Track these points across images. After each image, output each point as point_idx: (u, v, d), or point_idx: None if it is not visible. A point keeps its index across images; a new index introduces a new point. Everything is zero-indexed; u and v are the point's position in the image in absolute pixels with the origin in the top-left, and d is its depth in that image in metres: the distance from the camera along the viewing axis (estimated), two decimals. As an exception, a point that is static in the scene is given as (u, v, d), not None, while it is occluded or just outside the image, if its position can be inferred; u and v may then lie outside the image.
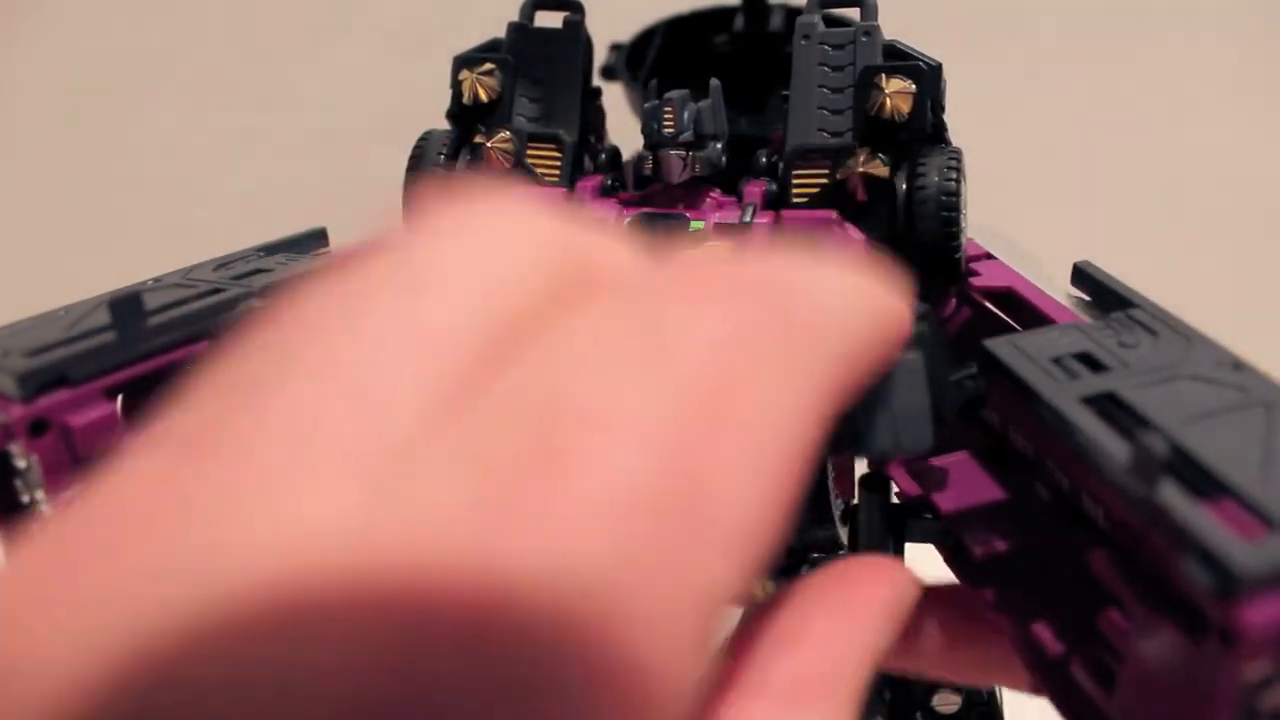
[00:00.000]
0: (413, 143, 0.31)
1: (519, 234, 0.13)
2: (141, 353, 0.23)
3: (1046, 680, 0.19)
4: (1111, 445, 0.16)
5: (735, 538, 0.11)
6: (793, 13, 0.37)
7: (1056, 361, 0.20)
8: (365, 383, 0.11)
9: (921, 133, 0.27)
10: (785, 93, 0.29)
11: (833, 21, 0.30)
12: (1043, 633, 0.19)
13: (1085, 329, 0.21)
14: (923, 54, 0.28)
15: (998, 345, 0.20)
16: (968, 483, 0.24)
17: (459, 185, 0.13)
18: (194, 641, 0.09)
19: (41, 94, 0.70)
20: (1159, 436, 0.16)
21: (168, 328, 0.24)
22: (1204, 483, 0.15)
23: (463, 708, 0.09)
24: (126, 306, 0.23)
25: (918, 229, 0.27)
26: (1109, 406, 0.18)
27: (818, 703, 0.14)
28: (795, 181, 0.28)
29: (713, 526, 0.11)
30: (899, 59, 0.28)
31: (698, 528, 0.10)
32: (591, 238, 0.13)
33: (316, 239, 0.31)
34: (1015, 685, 0.24)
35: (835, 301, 0.13)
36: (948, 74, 0.28)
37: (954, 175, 0.27)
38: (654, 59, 0.38)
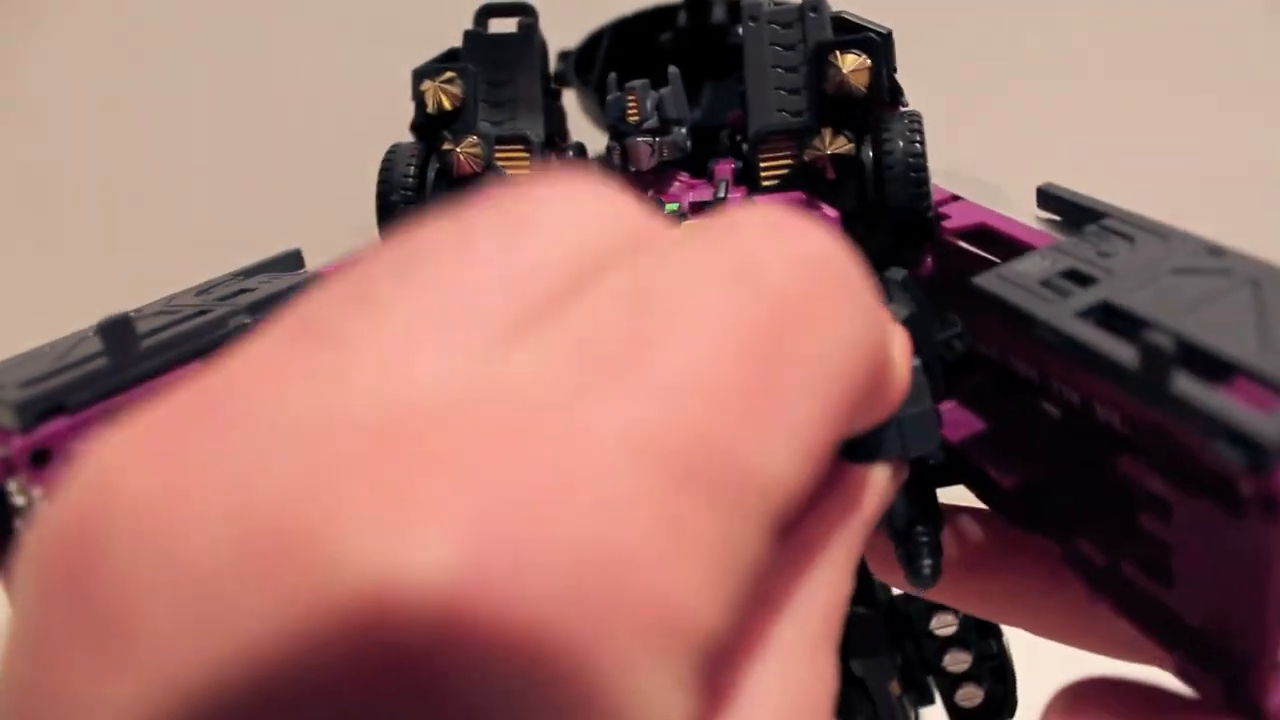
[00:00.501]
0: (370, 145, 0.31)
1: (609, 197, 0.14)
2: (136, 375, 0.23)
3: (1103, 590, 0.19)
4: (1118, 351, 0.17)
5: (801, 432, 0.12)
6: (733, 5, 0.38)
7: (1045, 284, 0.20)
8: (472, 290, 0.12)
9: (880, 103, 0.28)
10: (737, 76, 0.30)
11: None
12: (1085, 546, 0.20)
13: (1063, 247, 0.21)
14: (871, 22, 0.29)
15: (986, 280, 0.21)
16: (966, 417, 0.25)
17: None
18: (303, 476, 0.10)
19: (34, 102, 0.68)
20: (1162, 333, 0.16)
21: (160, 349, 0.24)
22: (1212, 367, 0.16)
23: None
24: (118, 330, 0.23)
25: (888, 197, 0.27)
26: (1105, 316, 0.18)
27: (814, 561, 0.16)
28: (762, 165, 0.29)
29: (782, 418, 0.12)
30: (848, 30, 0.28)
31: (770, 416, 0.12)
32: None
33: (292, 261, 0.31)
34: (1029, 625, 0.24)
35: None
36: (906, 30, 0.29)
37: (918, 139, 0.27)
38: (603, 62, 0.38)
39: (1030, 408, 0.24)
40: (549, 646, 0.10)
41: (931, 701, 0.35)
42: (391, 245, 0.13)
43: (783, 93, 0.29)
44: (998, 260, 0.26)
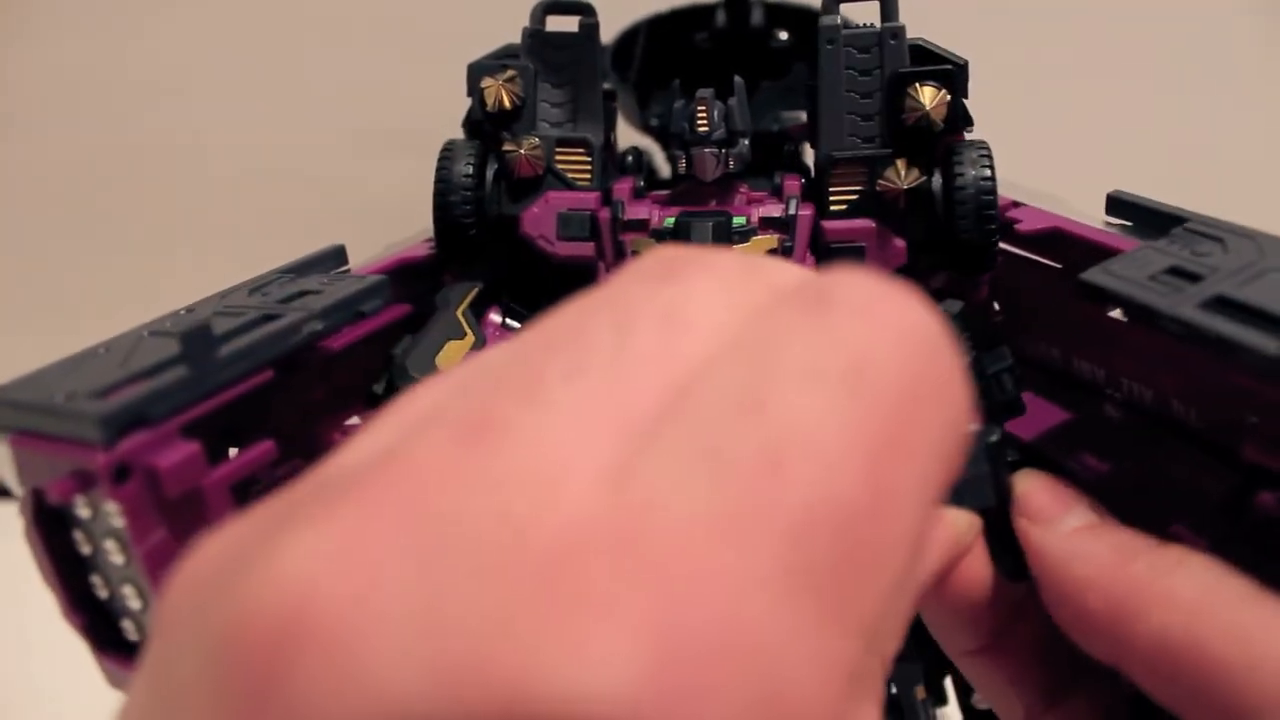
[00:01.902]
0: (410, 148, 0.30)
1: (738, 275, 0.15)
2: (214, 386, 0.22)
3: None
4: (1256, 339, 0.17)
5: (915, 527, 0.13)
6: (773, 9, 0.38)
7: (1153, 279, 0.21)
8: (628, 387, 0.13)
9: (955, 133, 0.28)
10: (767, 84, 0.30)
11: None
12: (1182, 532, 0.21)
13: (1159, 247, 0.22)
14: (948, 51, 0.28)
15: (1095, 276, 0.21)
16: (1033, 412, 0.26)
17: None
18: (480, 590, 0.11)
19: (65, 99, 0.65)
20: None
21: (237, 358, 0.23)
22: None
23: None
24: (198, 339, 0.22)
25: (958, 226, 0.27)
26: (1223, 308, 0.19)
27: None
28: (832, 191, 0.28)
29: (901, 523, 0.12)
30: (925, 58, 0.28)
31: (891, 526, 0.12)
32: (790, 269, 0.16)
33: (336, 258, 0.30)
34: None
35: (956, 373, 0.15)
36: (967, 51, 0.29)
37: (988, 169, 0.27)
38: (641, 59, 0.38)
39: (1093, 406, 0.25)
40: None
41: (946, 702, 0.36)
42: (560, 326, 0.14)
43: (856, 118, 0.28)
44: (1060, 265, 0.27)
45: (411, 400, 0.14)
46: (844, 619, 0.12)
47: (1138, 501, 0.23)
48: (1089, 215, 0.26)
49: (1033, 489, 0.23)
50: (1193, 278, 0.20)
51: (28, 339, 0.24)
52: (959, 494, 0.22)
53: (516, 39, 0.31)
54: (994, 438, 0.23)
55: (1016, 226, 0.27)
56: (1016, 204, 0.29)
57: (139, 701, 0.12)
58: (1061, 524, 0.22)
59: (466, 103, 0.30)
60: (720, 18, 0.38)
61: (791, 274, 0.15)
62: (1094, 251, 0.24)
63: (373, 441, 0.14)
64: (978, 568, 0.24)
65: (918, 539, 0.13)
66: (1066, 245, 0.26)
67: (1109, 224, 0.26)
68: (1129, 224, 0.25)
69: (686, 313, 0.14)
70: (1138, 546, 0.20)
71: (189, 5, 0.62)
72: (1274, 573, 0.19)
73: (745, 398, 0.12)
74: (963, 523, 0.21)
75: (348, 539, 0.11)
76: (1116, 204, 0.25)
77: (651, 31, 0.38)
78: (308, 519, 0.12)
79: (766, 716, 0.10)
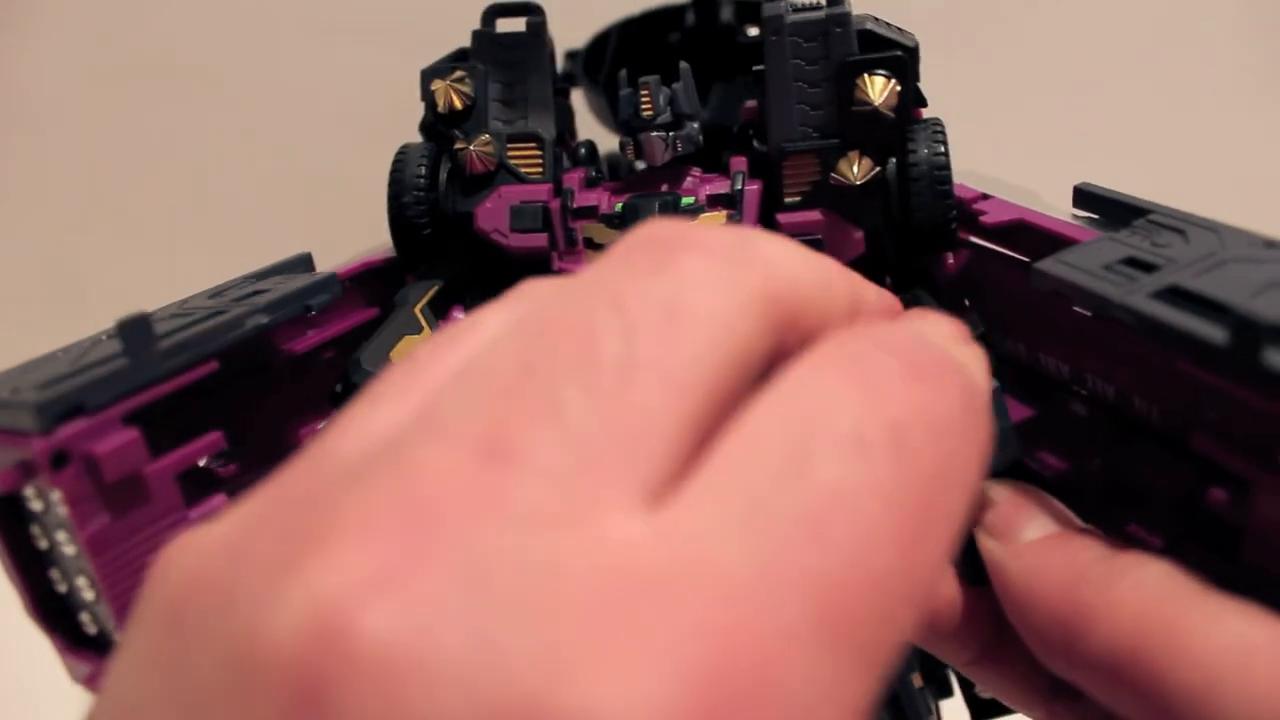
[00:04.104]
0: (385, 146, 0.31)
1: (729, 255, 0.14)
2: (155, 376, 0.23)
3: None
4: (1205, 329, 0.17)
5: (933, 580, 0.13)
6: (742, 6, 0.38)
7: (1108, 269, 0.20)
8: (642, 403, 0.13)
9: (907, 117, 0.27)
10: (750, 76, 0.30)
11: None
12: (1138, 531, 0.20)
13: (1118, 238, 0.21)
14: (896, 33, 0.28)
15: (1048, 265, 0.21)
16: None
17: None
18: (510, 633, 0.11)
19: (36, 97, 0.68)
20: (1257, 312, 0.16)
21: (178, 349, 0.23)
22: None
23: None
24: (136, 329, 0.22)
25: (914, 208, 0.27)
26: (1175, 298, 0.18)
27: None
28: (786, 182, 0.28)
29: (924, 580, 0.13)
30: (873, 44, 0.27)
31: (916, 585, 0.13)
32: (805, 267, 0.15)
33: (302, 265, 0.31)
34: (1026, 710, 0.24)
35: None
36: (924, 32, 0.28)
37: (942, 148, 0.27)
38: (611, 61, 0.38)
39: (1059, 403, 0.24)
40: None
41: (951, 694, 0.34)
42: (560, 324, 0.13)
43: (806, 108, 0.28)
44: (1027, 259, 0.26)
45: (393, 381, 0.14)
46: (869, 665, 0.12)
47: (1098, 501, 0.22)
48: (1065, 210, 0.26)
49: (994, 501, 0.22)
50: (1148, 268, 0.20)
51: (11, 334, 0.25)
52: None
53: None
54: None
55: (982, 219, 0.27)
56: (985, 196, 0.28)
57: (132, 684, 0.13)
58: (1019, 537, 0.21)
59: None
60: (690, 17, 0.38)
61: (784, 253, 0.15)
62: (1058, 243, 0.24)
63: (368, 427, 0.14)
64: (949, 588, 0.23)
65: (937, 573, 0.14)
66: (1032, 237, 0.26)
67: (1076, 216, 0.25)
68: (1096, 217, 0.25)
69: (685, 306, 0.14)
70: (1089, 558, 0.20)
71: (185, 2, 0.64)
72: (1224, 572, 0.18)
73: (789, 456, 0.13)
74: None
75: (383, 564, 0.11)
76: (1084, 196, 0.25)
77: (623, 34, 0.39)
78: (332, 533, 0.11)
79: None
